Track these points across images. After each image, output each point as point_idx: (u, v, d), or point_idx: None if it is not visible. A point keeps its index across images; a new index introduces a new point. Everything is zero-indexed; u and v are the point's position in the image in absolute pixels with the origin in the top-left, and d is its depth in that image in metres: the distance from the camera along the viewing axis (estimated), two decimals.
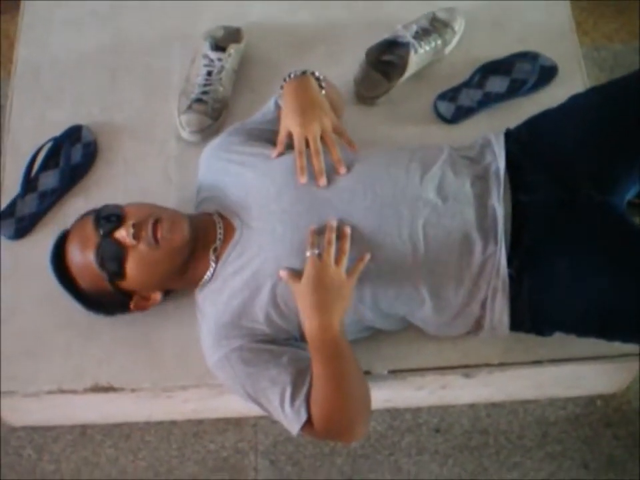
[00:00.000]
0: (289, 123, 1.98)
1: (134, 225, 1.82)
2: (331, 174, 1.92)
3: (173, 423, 2.51)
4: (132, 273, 1.84)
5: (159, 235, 1.82)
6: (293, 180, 1.92)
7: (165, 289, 2.00)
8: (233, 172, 2.03)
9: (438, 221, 1.85)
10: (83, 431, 2.52)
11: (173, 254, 1.85)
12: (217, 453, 2.47)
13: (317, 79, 2.06)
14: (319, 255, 1.78)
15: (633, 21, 3.21)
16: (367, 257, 1.82)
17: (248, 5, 2.59)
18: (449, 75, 2.40)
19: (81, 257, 1.86)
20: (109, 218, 1.85)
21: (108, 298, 1.91)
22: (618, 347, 1.98)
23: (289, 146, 1.99)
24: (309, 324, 1.75)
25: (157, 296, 1.97)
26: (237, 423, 2.49)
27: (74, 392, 2.07)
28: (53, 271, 1.89)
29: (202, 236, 1.92)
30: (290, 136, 1.98)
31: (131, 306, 1.95)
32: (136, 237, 1.81)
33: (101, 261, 1.82)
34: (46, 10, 2.64)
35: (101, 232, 1.83)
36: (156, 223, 1.83)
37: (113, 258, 1.82)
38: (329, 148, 1.95)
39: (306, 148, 1.94)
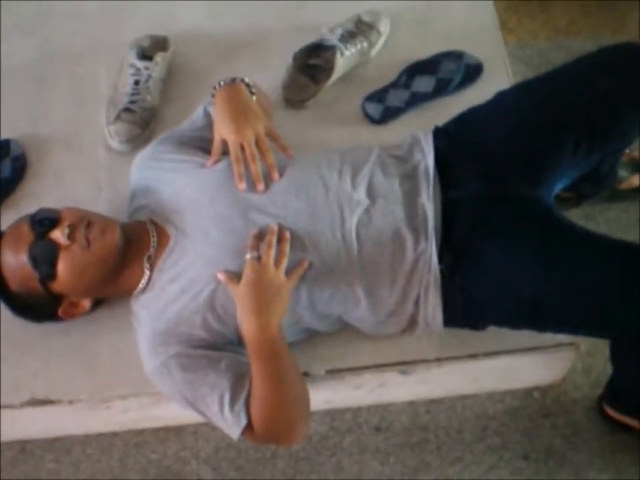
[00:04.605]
0: (223, 131, 1.99)
1: (69, 226, 1.82)
2: (264, 179, 1.93)
3: (114, 434, 2.48)
4: (63, 274, 1.83)
5: (90, 237, 1.83)
6: (225, 185, 1.93)
7: (97, 296, 1.99)
8: (165, 179, 2.03)
9: (369, 221, 1.87)
10: (23, 447, 2.48)
11: (103, 257, 1.85)
12: (159, 462, 2.45)
13: (247, 85, 2.07)
14: (259, 258, 1.80)
15: (556, 18, 3.27)
16: (306, 263, 1.84)
17: (174, 14, 2.60)
18: (376, 77, 2.43)
19: (14, 256, 1.85)
20: (43, 221, 1.85)
21: (37, 301, 1.90)
22: (552, 337, 2.01)
23: (222, 152, 2.01)
24: (247, 325, 1.76)
25: (86, 303, 1.96)
26: (177, 431, 2.48)
27: (11, 406, 2.04)
28: None
29: (135, 244, 1.92)
30: (224, 143, 1.99)
31: (59, 312, 1.94)
32: (70, 237, 1.81)
33: (34, 260, 1.82)
34: None
35: (36, 232, 1.83)
36: (89, 225, 1.84)
37: (45, 257, 1.82)
38: (262, 153, 1.96)
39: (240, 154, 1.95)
